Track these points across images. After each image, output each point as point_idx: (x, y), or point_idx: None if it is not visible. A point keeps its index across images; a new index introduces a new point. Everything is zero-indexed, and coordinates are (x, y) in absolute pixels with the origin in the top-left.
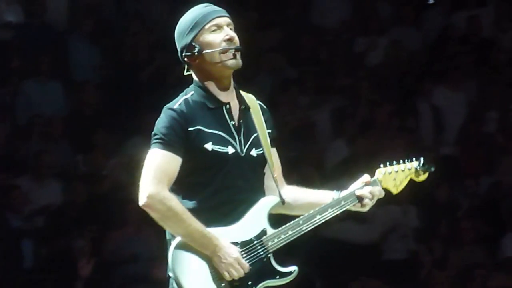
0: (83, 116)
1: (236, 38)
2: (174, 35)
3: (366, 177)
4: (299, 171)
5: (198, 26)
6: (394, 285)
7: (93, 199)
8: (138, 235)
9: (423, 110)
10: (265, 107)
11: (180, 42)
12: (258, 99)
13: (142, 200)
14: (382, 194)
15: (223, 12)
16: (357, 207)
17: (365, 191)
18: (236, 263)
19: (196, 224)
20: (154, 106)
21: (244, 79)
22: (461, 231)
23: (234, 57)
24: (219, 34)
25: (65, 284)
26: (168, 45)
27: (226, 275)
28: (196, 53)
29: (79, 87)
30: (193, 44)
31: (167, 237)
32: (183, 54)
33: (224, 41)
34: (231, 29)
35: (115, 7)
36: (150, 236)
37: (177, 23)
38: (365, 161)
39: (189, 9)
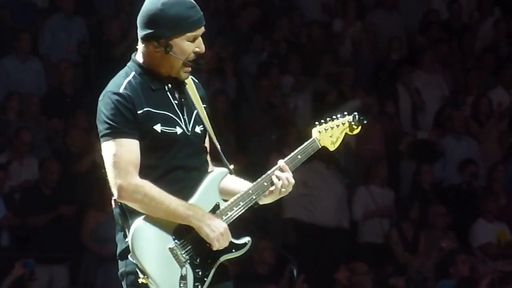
0: (62, 94)
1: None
2: (146, 8)
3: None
4: (280, 154)
5: (181, 29)
6: (376, 268)
7: (71, 178)
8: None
9: (402, 94)
10: (197, 82)
11: (151, 26)
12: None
13: (116, 195)
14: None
15: (203, 20)
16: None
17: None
18: (226, 234)
19: (176, 201)
20: None
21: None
22: (433, 215)
23: (190, 71)
24: (193, 44)
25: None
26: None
27: (216, 244)
28: (162, 49)
29: (57, 65)
30: (167, 41)
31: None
32: (149, 39)
33: (194, 52)
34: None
35: None
36: None
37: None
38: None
39: None
